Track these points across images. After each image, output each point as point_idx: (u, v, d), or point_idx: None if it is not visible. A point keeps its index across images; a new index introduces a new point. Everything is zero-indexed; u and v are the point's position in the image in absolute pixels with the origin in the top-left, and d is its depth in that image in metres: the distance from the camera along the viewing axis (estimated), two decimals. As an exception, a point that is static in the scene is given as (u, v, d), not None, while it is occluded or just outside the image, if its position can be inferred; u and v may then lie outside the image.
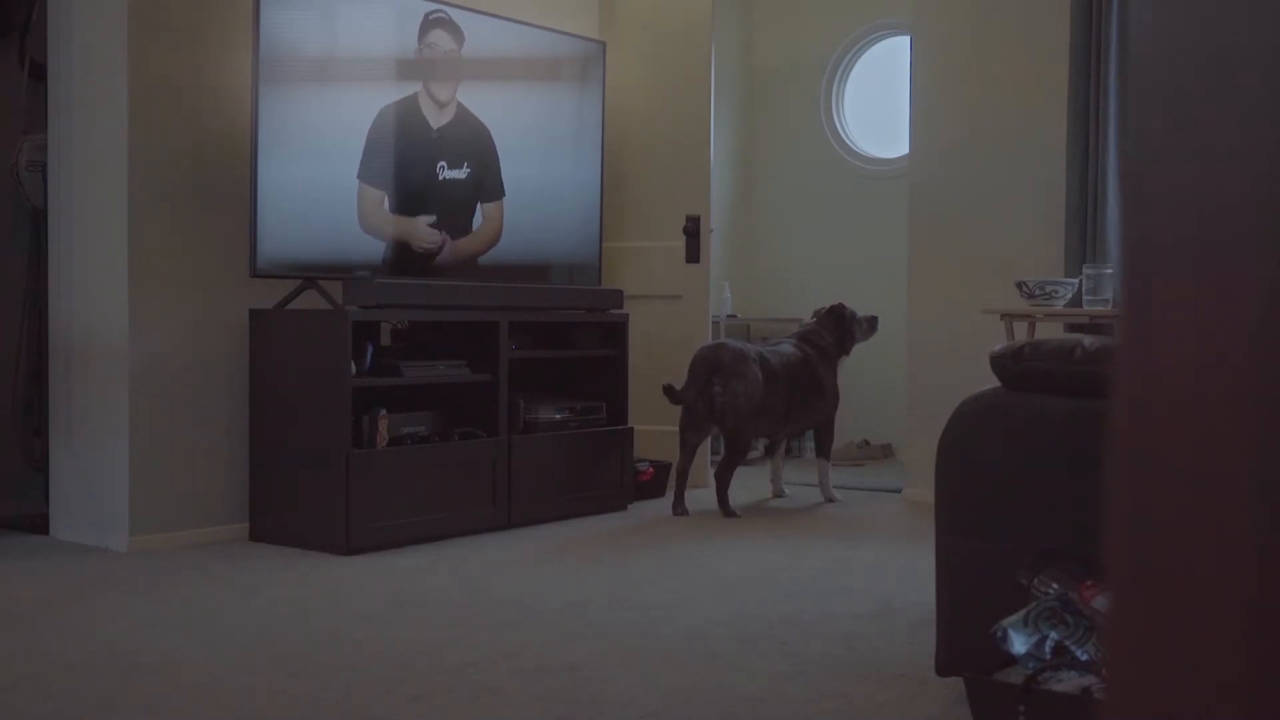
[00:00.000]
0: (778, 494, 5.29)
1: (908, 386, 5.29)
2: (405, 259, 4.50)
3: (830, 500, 5.16)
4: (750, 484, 5.47)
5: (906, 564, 3.85)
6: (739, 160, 7.09)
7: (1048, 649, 2.14)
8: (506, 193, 4.87)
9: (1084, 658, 2.11)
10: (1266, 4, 0.49)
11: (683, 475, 4.88)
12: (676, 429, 4.93)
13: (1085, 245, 4.71)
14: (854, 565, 3.86)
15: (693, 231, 5.48)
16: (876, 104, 6.75)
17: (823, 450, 5.22)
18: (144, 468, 4.05)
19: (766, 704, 2.47)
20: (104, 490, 4.10)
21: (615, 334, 5.03)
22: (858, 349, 5.33)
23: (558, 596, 3.41)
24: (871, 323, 5.30)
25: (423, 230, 4.57)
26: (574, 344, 4.97)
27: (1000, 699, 2.15)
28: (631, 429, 5.00)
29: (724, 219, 6.78)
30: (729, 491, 4.82)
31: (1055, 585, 2.20)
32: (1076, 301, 4.43)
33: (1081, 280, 4.42)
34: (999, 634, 2.19)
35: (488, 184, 4.82)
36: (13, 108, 4.61)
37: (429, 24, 4.56)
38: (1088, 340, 2.43)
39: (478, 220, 4.78)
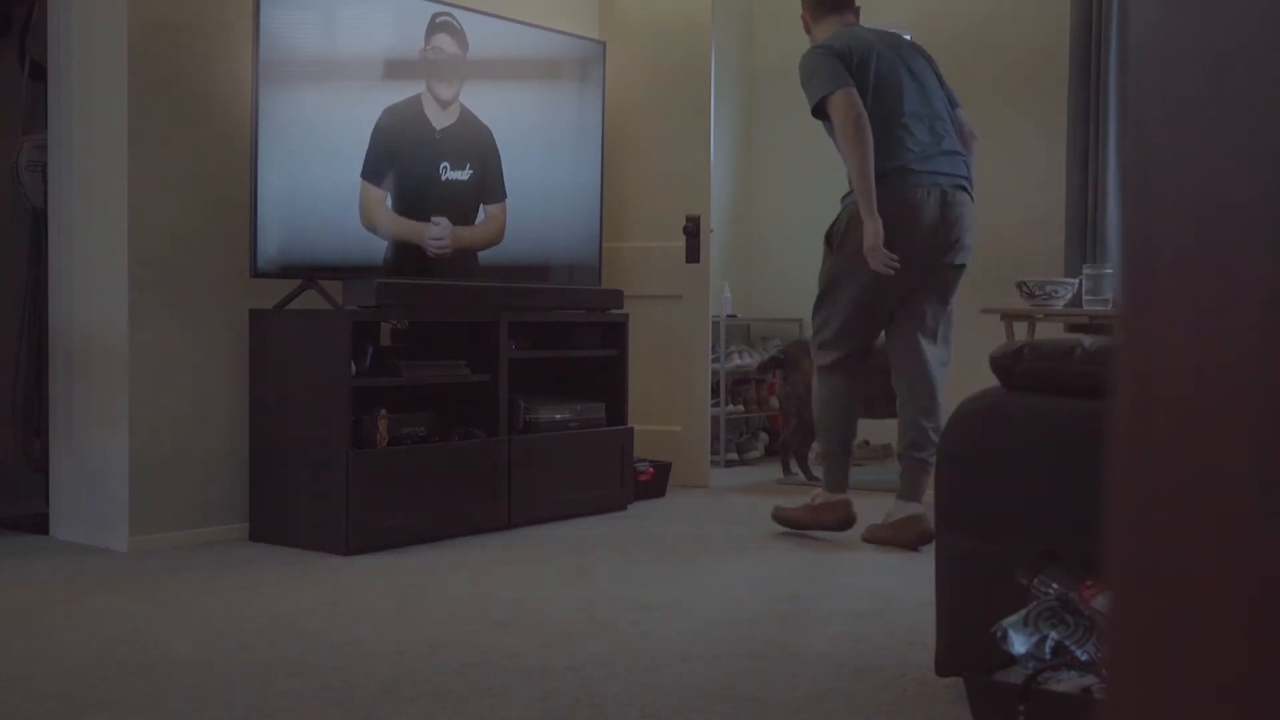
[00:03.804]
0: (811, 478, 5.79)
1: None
2: (407, 257, 4.50)
3: None
4: (748, 481, 5.47)
5: (906, 564, 3.85)
6: (739, 160, 7.09)
7: (1048, 649, 2.14)
8: (509, 194, 4.88)
9: (1084, 658, 2.11)
10: (1267, 4, 0.49)
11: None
12: (677, 429, 4.95)
13: (1085, 245, 4.71)
14: (854, 565, 3.86)
15: (693, 231, 5.48)
16: (876, 104, 6.74)
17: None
18: (144, 468, 4.05)
19: (766, 704, 2.47)
20: (104, 490, 4.10)
21: (615, 334, 5.03)
22: None
23: (557, 596, 3.41)
24: None
25: (430, 230, 4.57)
26: (574, 344, 4.96)
27: (1000, 699, 2.15)
28: (631, 429, 5.00)
29: (724, 219, 6.78)
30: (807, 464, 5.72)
31: (1055, 585, 2.20)
32: (1076, 301, 4.44)
33: (1081, 280, 4.43)
34: (999, 634, 2.19)
35: (490, 185, 4.82)
36: (13, 108, 4.61)
37: (435, 27, 4.56)
38: (1088, 340, 2.43)
39: (480, 217, 4.78)
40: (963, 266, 4.16)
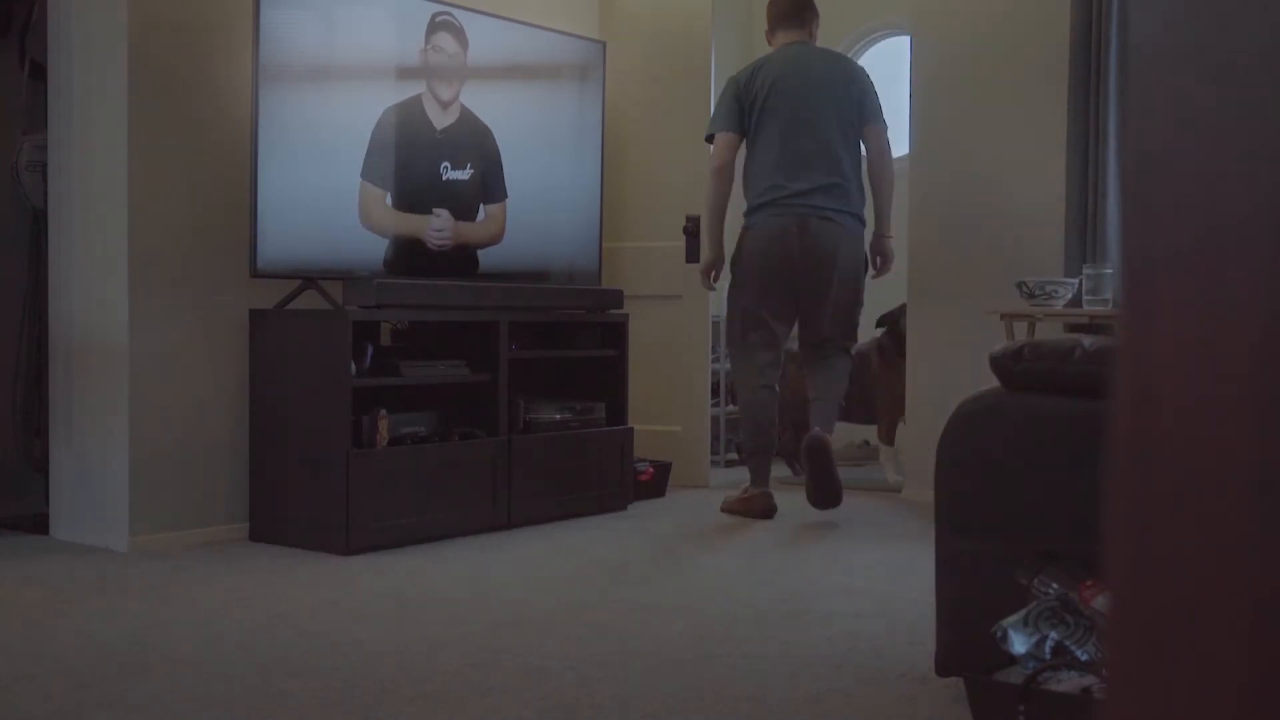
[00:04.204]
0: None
1: (908, 386, 5.28)
2: (408, 253, 4.50)
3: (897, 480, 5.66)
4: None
5: (906, 564, 3.85)
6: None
7: (1048, 649, 2.14)
8: (509, 194, 4.88)
9: (1084, 658, 2.11)
10: (1268, 4, 0.49)
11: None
12: (677, 429, 4.96)
13: (1085, 245, 4.71)
14: (854, 565, 3.86)
15: (693, 231, 5.48)
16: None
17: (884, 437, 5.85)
18: (144, 468, 4.05)
19: (766, 704, 2.47)
20: (104, 490, 4.10)
21: (615, 334, 5.03)
22: None
23: (558, 596, 3.41)
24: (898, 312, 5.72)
25: (432, 222, 4.58)
26: (574, 344, 4.96)
27: (1000, 699, 2.15)
28: (631, 429, 5.00)
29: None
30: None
31: (1055, 585, 2.20)
32: (1076, 301, 4.43)
33: (1081, 280, 4.43)
34: (999, 634, 2.19)
35: (491, 185, 4.82)
36: (13, 108, 4.61)
37: (435, 26, 4.56)
38: (1088, 340, 2.43)
39: (480, 217, 4.78)
40: (851, 284, 4.68)
